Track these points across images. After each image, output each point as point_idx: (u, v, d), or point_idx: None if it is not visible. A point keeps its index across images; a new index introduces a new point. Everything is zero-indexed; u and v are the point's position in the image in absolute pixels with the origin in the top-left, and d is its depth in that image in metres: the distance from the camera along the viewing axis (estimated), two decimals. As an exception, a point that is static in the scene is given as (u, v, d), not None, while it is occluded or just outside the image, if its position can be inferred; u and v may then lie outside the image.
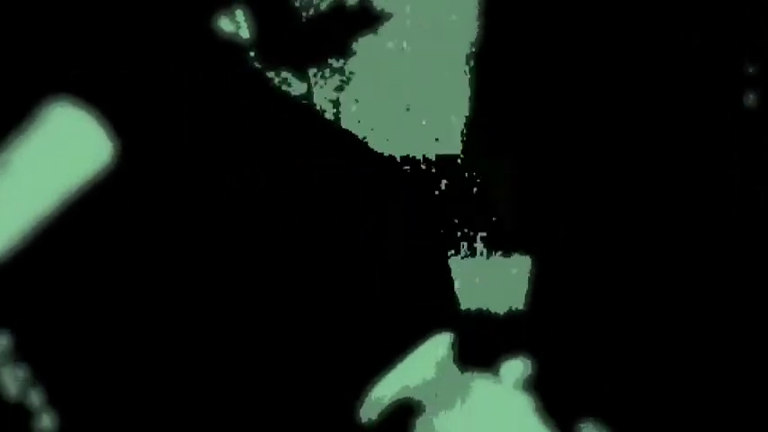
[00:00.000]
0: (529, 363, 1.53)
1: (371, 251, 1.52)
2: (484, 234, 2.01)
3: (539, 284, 1.99)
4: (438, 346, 1.50)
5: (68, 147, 1.38)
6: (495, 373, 1.53)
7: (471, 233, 2.01)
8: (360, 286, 1.48)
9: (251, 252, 1.44)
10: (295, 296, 1.45)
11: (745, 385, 1.87)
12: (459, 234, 2.01)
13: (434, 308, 1.55)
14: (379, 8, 1.93)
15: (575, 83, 1.97)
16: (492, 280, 2.00)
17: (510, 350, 1.61)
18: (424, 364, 1.48)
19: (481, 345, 1.71)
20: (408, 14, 1.95)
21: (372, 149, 1.84)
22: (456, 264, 1.99)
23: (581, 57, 1.96)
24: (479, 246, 2.01)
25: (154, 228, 1.41)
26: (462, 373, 1.52)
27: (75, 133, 1.38)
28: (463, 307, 1.95)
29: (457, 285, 1.82)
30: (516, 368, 1.52)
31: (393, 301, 1.49)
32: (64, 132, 1.38)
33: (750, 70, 1.92)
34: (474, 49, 1.98)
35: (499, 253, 2.00)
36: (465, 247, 2.00)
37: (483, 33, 1.97)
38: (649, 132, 1.96)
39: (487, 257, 2.00)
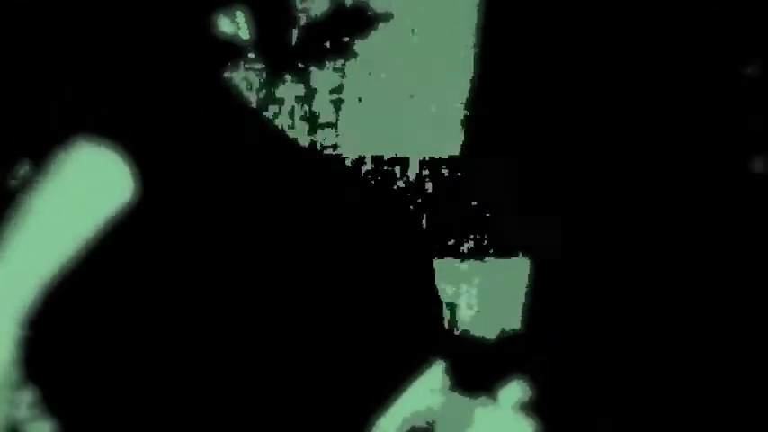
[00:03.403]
0: (526, 385, 1.54)
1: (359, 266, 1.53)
2: (481, 237, 2.01)
3: (537, 294, 1.99)
4: (434, 375, 1.50)
5: (91, 185, 1.40)
6: (494, 396, 1.54)
7: (467, 236, 2.01)
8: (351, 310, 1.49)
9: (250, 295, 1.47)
10: (289, 319, 1.46)
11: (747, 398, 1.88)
12: (452, 239, 2.01)
13: (427, 333, 1.56)
14: (378, 8, 1.93)
15: (575, 82, 1.97)
16: (489, 290, 2.00)
17: (507, 372, 1.61)
18: (423, 394, 1.49)
19: (478, 369, 1.71)
20: (408, 16, 1.95)
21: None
22: (450, 272, 1.99)
23: (581, 57, 1.96)
24: (474, 246, 2.01)
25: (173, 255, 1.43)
26: (462, 398, 1.52)
27: (98, 171, 1.40)
28: (459, 327, 1.95)
29: (451, 300, 1.82)
30: (515, 391, 1.53)
31: (384, 324, 1.50)
32: (86, 171, 1.40)
33: (749, 71, 1.92)
34: (474, 50, 1.97)
35: (496, 256, 2.00)
36: (460, 250, 1.99)
37: (483, 34, 1.97)
38: (650, 133, 1.96)
39: (483, 260, 2.00)
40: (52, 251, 1.37)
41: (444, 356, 1.52)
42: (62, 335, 1.41)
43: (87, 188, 1.40)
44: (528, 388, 1.54)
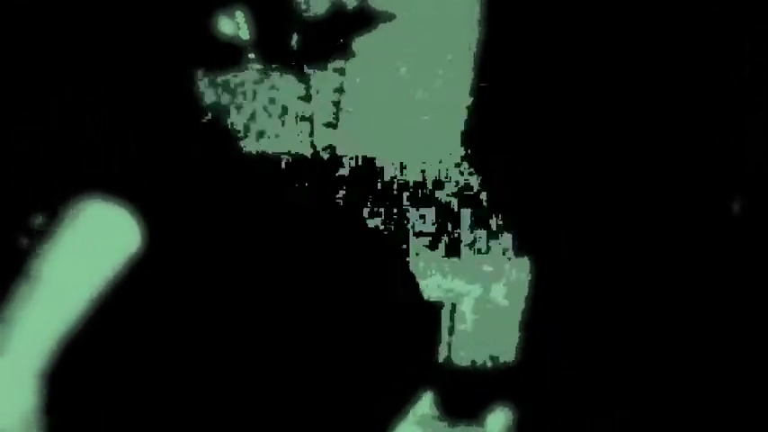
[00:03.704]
0: (511, 412, 1.54)
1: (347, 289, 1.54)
2: (481, 237, 2.01)
3: (537, 294, 1.99)
4: (420, 406, 1.51)
5: (101, 239, 1.42)
6: (481, 424, 1.54)
7: (467, 236, 2.01)
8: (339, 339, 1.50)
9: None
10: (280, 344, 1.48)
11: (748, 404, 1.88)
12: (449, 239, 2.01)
13: (415, 364, 1.56)
14: (379, 9, 1.93)
15: (575, 83, 1.97)
16: (489, 290, 2.00)
17: (493, 401, 1.61)
18: (411, 426, 1.49)
19: (464, 398, 1.72)
20: (408, 15, 1.95)
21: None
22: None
23: (581, 57, 1.96)
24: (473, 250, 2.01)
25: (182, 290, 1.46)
26: (449, 427, 1.53)
27: (107, 225, 1.43)
28: (458, 328, 1.95)
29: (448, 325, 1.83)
30: (500, 419, 1.54)
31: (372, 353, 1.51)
32: (96, 225, 1.43)
33: (749, 71, 1.93)
34: (475, 50, 1.98)
35: (497, 257, 2.01)
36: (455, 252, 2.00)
37: (484, 34, 1.97)
38: (650, 133, 1.96)
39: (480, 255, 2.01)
40: (66, 303, 1.40)
41: (432, 386, 1.53)
42: (79, 381, 1.44)
43: (98, 242, 1.42)
44: (512, 415, 1.54)
